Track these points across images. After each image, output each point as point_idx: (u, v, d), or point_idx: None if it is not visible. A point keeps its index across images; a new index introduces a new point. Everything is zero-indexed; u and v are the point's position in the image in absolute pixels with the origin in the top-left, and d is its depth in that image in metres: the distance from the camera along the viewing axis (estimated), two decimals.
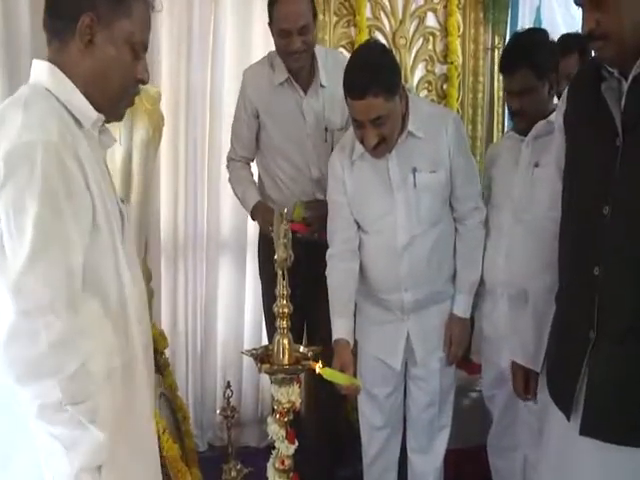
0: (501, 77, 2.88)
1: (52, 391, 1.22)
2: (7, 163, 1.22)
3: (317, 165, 2.65)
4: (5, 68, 2.72)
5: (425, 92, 3.57)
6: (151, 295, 2.51)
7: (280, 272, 1.58)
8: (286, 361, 1.57)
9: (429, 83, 3.57)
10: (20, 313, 1.21)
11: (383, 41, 3.17)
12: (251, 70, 2.70)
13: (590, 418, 1.54)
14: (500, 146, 2.58)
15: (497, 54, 3.53)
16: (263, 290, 2.89)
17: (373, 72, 2.07)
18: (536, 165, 2.27)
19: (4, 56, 2.72)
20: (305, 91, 2.61)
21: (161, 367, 2.52)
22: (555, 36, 2.51)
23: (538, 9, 3.60)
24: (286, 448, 1.60)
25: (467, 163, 2.33)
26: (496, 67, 3.50)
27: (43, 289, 1.22)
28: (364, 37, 3.26)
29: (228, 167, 2.81)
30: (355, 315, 2.35)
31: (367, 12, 3.36)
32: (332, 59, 2.64)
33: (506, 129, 3.52)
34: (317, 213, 2.53)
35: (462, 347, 2.42)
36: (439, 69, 3.57)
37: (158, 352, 2.48)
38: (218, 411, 2.48)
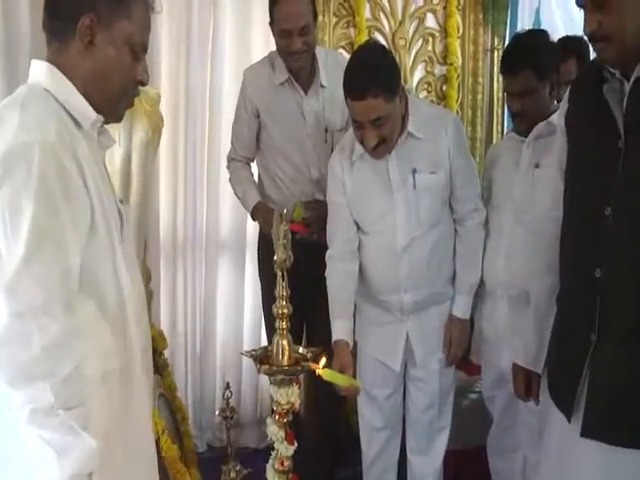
0: (501, 78, 2.89)
1: (44, 395, 1.19)
2: (4, 164, 1.21)
3: (317, 166, 2.65)
4: (5, 68, 2.72)
5: (424, 93, 3.56)
6: (150, 296, 2.50)
7: (280, 273, 1.58)
8: (285, 362, 1.57)
9: (428, 84, 3.57)
10: (13, 315, 1.19)
11: (382, 42, 3.16)
12: (252, 70, 2.70)
13: (591, 420, 1.54)
14: (500, 147, 2.58)
15: (497, 55, 3.53)
16: (262, 291, 2.89)
17: (373, 73, 2.07)
18: (537, 166, 2.26)
19: (4, 56, 2.71)
20: (305, 91, 2.60)
21: (160, 368, 2.52)
22: (554, 38, 2.51)
23: (537, 11, 3.60)
24: (285, 449, 1.59)
25: (467, 164, 2.34)
26: (496, 68, 3.50)
27: (36, 291, 1.20)
28: (363, 38, 3.25)
29: (228, 167, 2.80)
30: (355, 316, 2.35)
31: (367, 13, 3.35)
32: (332, 60, 2.64)
33: (506, 130, 3.52)
34: (317, 214, 2.53)
35: (462, 348, 2.42)
36: (438, 70, 3.57)
37: (157, 353, 2.47)
38: (217, 412, 2.48)
